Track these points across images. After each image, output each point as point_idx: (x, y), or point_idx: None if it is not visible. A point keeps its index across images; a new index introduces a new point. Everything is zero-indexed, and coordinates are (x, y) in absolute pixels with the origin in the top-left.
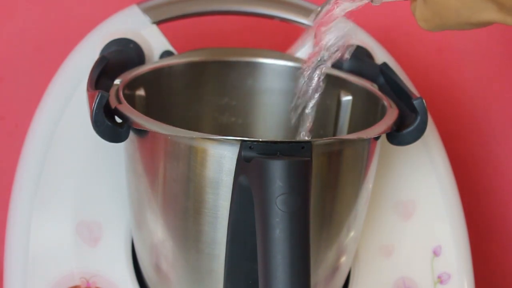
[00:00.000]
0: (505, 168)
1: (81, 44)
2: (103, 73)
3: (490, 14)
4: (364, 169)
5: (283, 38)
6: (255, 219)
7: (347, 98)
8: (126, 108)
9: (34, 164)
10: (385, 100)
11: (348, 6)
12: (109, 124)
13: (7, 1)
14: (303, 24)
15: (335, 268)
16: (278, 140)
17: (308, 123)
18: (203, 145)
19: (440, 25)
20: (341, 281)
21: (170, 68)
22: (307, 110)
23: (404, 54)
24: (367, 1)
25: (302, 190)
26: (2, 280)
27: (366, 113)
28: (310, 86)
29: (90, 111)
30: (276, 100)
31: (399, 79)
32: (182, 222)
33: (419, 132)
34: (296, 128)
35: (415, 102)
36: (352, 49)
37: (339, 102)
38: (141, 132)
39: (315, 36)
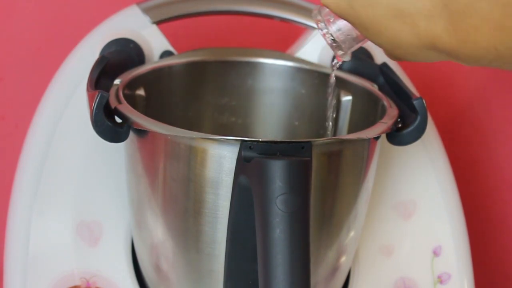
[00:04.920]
0: (505, 168)
1: (81, 44)
2: (103, 73)
3: (440, 58)
4: (364, 169)
5: (283, 38)
6: (255, 219)
7: (347, 98)
8: (126, 108)
9: (34, 164)
10: (385, 100)
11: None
12: (109, 124)
13: (7, 1)
14: (303, 24)
15: (335, 268)
16: (278, 140)
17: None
18: (203, 145)
19: (405, 60)
20: (341, 281)
21: (170, 68)
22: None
23: None
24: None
25: (302, 190)
26: (2, 280)
27: (366, 113)
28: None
29: (90, 111)
30: (276, 100)
31: (399, 79)
32: (182, 222)
33: (419, 132)
34: (297, 129)
35: (415, 102)
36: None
37: (339, 102)
38: (141, 132)
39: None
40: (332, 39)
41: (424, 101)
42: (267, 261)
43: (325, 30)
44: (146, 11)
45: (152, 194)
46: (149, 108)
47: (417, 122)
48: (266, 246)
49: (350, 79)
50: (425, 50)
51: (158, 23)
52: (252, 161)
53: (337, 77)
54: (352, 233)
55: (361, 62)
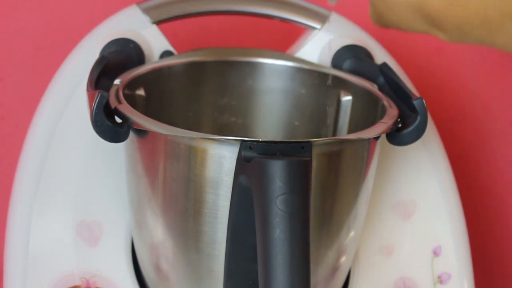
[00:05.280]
0: (505, 168)
1: (81, 44)
2: (103, 73)
3: (423, 27)
4: (364, 169)
5: (283, 38)
6: (255, 219)
7: (347, 98)
8: (126, 108)
9: (34, 164)
10: (385, 100)
11: None
12: (109, 124)
13: (7, 1)
14: (303, 24)
15: (335, 268)
16: (278, 140)
17: None
18: (203, 145)
19: (388, 25)
20: (341, 281)
21: (170, 68)
22: None
23: (404, 54)
24: None
25: (302, 190)
26: (2, 280)
27: (366, 113)
28: None
29: (90, 111)
30: (276, 100)
31: (399, 79)
32: (182, 222)
33: (419, 132)
34: (297, 129)
35: (415, 102)
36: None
37: (339, 102)
38: (141, 132)
39: None
40: None
41: (424, 101)
42: (267, 261)
43: None
44: (146, 11)
45: (152, 194)
46: (149, 108)
47: (417, 122)
48: (266, 246)
49: (350, 79)
50: (410, 12)
51: (158, 23)
52: (252, 161)
53: (337, 77)
54: (352, 233)
55: (361, 62)
